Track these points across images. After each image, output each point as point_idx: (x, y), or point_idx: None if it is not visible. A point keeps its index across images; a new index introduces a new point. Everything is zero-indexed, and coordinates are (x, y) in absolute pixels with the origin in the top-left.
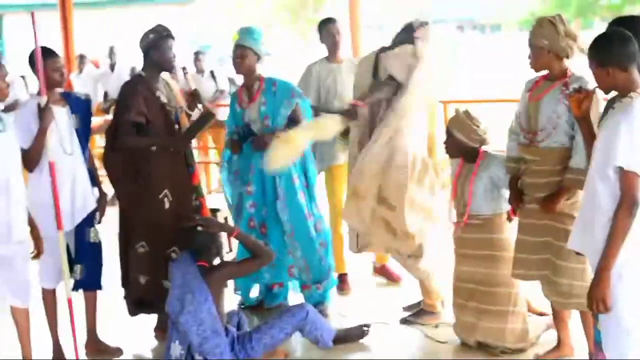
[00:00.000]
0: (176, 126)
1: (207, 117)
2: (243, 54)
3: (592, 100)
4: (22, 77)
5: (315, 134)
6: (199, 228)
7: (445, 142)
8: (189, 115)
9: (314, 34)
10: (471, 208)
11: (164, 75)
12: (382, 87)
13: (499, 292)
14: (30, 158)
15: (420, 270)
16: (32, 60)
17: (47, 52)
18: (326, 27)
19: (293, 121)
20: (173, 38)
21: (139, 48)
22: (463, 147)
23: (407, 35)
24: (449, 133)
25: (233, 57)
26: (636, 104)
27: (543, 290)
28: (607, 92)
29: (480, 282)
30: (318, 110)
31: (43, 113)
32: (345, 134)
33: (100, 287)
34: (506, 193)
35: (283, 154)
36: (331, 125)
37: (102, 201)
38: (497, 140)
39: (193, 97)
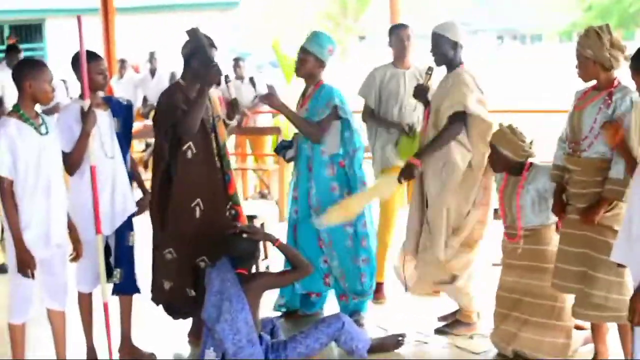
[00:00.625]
0: (212, 135)
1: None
2: (304, 58)
3: (623, 129)
4: (64, 81)
5: (372, 198)
6: (244, 235)
7: (490, 158)
8: (226, 124)
9: (352, 42)
10: (522, 222)
11: None
12: (444, 135)
13: (544, 304)
14: (72, 161)
15: (453, 290)
16: (76, 63)
17: (91, 55)
18: (396, 32)
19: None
20: (215, 47)
21: (179, 54)
22: (509, 163)
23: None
24: (494, 149)
25: (296, 59)
26: None
27: (574, 305)
28: None
29: (525, 293)
30: (376, 115)
31: (86, 116)
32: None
33: (139, 291)
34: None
35: (338, 218)
36: (388, 187)
37: (145, 200)
38: (538, 152)
39: (232, 106)
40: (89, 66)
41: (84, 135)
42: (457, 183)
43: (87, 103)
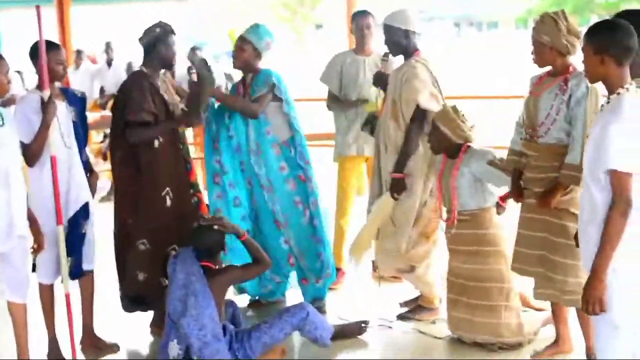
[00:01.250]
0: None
1: (205, 80)
2: (242, 47)
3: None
4: (19, 72)
5: (378, 221)
6: (215, 227)
7: (429, 136)
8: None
9: (310, 31)
10: (457, 204)
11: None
12: (413, 139)
13: (490, 287)
14: (32, 152)
15: (413, 279)
16: (34, 53)
17: (50, 45)
18: (356, 20)
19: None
20: (175, 34)
21: (139, 43)
22: (447, 142)
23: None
24: (434, 126)
25: (233, 49)
26: (624, 103)
27: (534, 288)
28: (593, 82)
29: (471, 278)
30: (338, 100)
31: (47, 106)
32: (366, 124)
33: (81, 275)
34: (492, 187)
35: (361, 251)
36: (387, 205)
37: (92, 179)
38: (491, 136)
39: (177, 92)
40: (48, 56)
41: (45, 126)
42: (420, 173)
43: (47, 93)
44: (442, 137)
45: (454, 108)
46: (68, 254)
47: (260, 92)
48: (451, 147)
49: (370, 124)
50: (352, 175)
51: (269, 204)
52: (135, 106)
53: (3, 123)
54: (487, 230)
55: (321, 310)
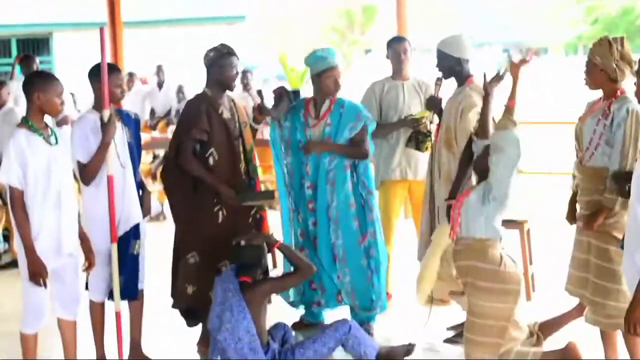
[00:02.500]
0: (237, 141)
1: (267, 194)
2: (338, 73)
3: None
4: (72, 94)
5: (437, 253)
6: (242, 242)
7: (475, 162)
8: (254, 130)
9: (358, 55)
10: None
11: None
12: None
13: (485, 323)
14: (90, 171)
15: (465, 302)
16: (93, 74)
17: (111, 68)
18: (393, 46)
19: (354, 143)
20: (235, 56)
21: (202, 65)
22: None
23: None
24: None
25: (331, 75)
26: None
27: (585, 312)
28: None
29: (470, 313)
30: (379, 126)
31: (107, 127)
32: (410, 140)
33: (136, 298)
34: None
35: (427, 287)
36: (443, 235)
37: (146, 198)
38: (543, 162)
39: (260, 110)
40: (108, 78)
41: (105, 146)
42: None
43: (106, 113)
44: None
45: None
46: (119, 273)
47: (352, 125)
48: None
49: (415, 140)
50: (395, 201)
51: (331, 236)
52: (186, 124)
53: (57, 142)
54: (484, 264)
55: (369, 332)
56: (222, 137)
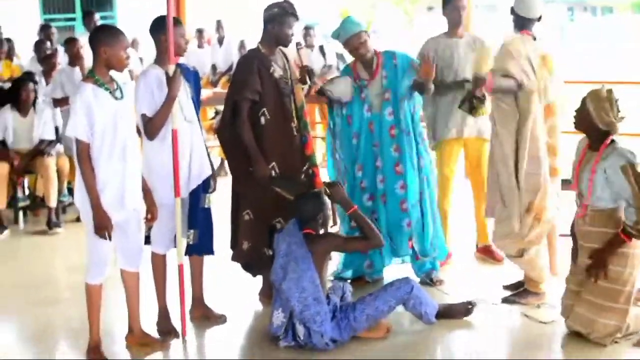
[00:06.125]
0: (288, 98)
1: (299, 188)
2: (367, 39)
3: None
4: (134, 47)
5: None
6: (325, 192)
7: (575, 111)
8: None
9: (419, 13)
10: (591, 198)
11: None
12: None
13: (613, 288)
14: (155, 125)
15: (523, 262)
16: (155, 28)
17: (174, 20)
18: (451, 2)
19: (417, 87)
20: (297, 17)
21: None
22: (587, 123)
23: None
24: (582, 102)
25: (357, 42)
26: None
27: None
28: None
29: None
30: (435, 85)
31: (172, 81)
32: (463, 102)
33: (212, 252)
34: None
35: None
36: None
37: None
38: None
39: (303, 72)
40: (173, 30)
41: (171, 100)
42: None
43: (172, 67)
44: (585, 116)
45: (609, 91)
46: (190, 227)
47: (410, 72)
48: (593, 133)
49: (469, 103)
50: (451, 159)
51: (398, 189)
52: (239, 85)
53: (122, 96)
54: (617, 230)
55: (433, 279)
56: (274, 96)
